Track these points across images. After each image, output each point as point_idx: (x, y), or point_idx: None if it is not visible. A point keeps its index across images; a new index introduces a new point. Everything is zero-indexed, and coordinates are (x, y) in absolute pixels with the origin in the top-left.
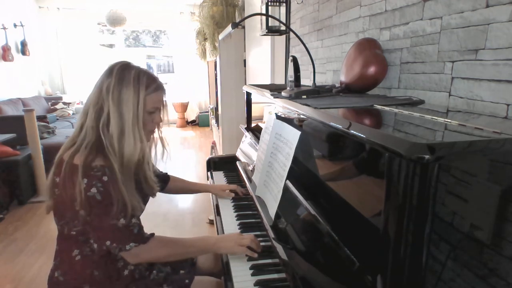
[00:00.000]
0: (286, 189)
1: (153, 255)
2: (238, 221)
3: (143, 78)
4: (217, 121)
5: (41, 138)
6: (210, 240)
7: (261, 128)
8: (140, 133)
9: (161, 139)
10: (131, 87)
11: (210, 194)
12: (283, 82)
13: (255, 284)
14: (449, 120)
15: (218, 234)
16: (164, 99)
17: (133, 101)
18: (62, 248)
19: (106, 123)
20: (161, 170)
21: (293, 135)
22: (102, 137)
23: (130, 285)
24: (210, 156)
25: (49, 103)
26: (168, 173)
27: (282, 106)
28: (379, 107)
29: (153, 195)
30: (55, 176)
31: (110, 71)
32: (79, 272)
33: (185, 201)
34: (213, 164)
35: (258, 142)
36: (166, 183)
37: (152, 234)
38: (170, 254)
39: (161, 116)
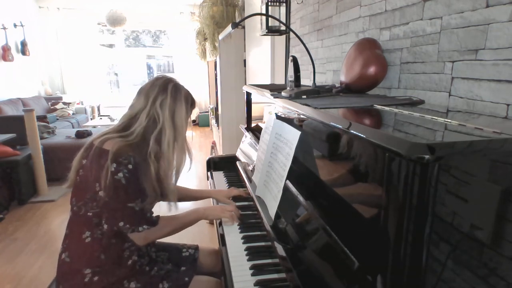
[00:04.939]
0: (286, 189)
1: (160, 234)
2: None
3: (189, 98)
4: (217, 121)
5: (41, 138)
6: (200, 210)
7: (261, 128)
8: (188, 144)
9: (189, 150)
10: (183, 106)
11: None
12: (283, 82)
13: (255, 284)
14: (449, 120)
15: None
16: None
17: (185, 117)
18: (72, 231)
19: (158, 134)
20: None
21: (293, 135)
22: (149, 144)
23: (131, 279)
24: (210, 156)
25: (49, 103)
26: None
27: (282, 106)
28: (379, 107)
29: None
30: (82, 159)
31: (164, 87)
32: (86, 254)
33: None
34: (213, 164)
35: (258, 142)
36: None
37: (158, 216)
38: (174, 229)
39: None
